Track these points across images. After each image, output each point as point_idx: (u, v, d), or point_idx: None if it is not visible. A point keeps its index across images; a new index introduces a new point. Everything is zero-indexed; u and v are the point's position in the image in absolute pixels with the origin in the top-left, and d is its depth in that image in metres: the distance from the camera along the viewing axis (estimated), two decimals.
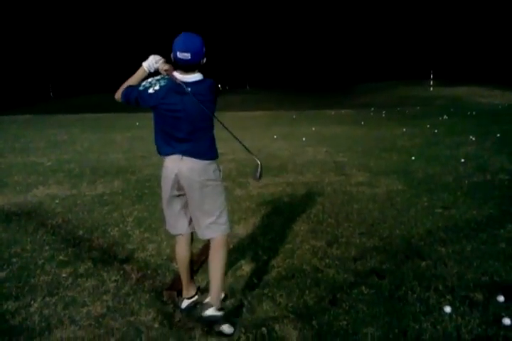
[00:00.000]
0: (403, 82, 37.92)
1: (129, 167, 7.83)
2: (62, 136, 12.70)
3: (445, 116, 15.74)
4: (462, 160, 7.76)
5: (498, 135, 10.72)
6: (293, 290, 3.34)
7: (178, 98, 2.75)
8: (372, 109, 20.51)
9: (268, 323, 2.91)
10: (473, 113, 16.95)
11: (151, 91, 2.80)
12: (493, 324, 2.82)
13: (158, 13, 35.46)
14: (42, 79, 35.93)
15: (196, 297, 3.17)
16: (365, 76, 38.27)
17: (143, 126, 14.74)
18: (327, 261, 3.85)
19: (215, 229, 2.94)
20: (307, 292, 3.31)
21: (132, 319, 3.02)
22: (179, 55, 2.69)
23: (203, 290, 3.27)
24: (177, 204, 2.98)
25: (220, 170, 2.96)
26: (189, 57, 2.68)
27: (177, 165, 2.83)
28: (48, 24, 35.26)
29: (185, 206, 2.98)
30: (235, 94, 38.58)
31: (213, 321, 2.81)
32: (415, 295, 3.20)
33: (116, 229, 4.74)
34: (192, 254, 3.20)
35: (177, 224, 3.05)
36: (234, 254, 4.03)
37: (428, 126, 13.07)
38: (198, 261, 3.84)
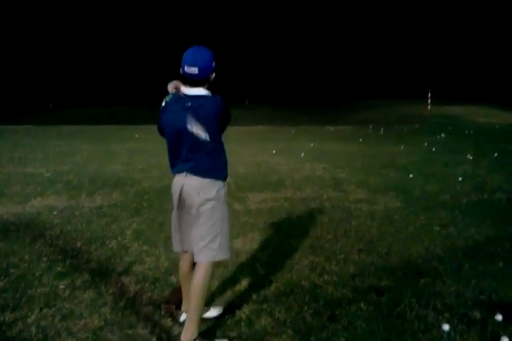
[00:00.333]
0: (401, 100, 38.20)
1: (128, 179, 7.84)
2: (62, 147, 12.71)
3: (443, 135, 15.83)
4: (460, 179, 7.80)
5: (496, 154, 10.79)
6: (291, 306, 3.34)
7: (179, 113, 2.72)
8: (371, 126, 20.60)
9: (266, 338, 2.91)
10: (471, 132, 17.06)
11: (161, 108, 2.85)
12: None
13: (156, 27, 35.82)
14: (42, 90, 36.09)
15: None
16: (364, 93, 38.58)
17: (142, 138, 14.79)
18: (326, 277, 3.85)
19: (206, 253, 2.81)
20: (306, 308, 3.31)
21: (130, 332, 3.01)
22: (187, 69, 2.66)
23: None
24: (182, 221, 2.94)
25: (225, 192, 2.87)
26: (196, 72, 2.65)
27: (182, 181, 2.81)
28: (49, 34, 35.57)
29: (190, 223, 2.93)
30: (234, 110, 38.75)
31: None
32: (414, 313, 3.21)
33: (115, 241, 4.73)
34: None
35: (181, 241, 2.98)
36: (232, 269, 4.03)
37: (426, 144, 13.15)
38: None
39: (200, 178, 2.75)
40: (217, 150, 2.79)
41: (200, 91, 2.74)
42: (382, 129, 18.22)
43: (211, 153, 2.76)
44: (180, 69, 2.72)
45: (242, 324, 3.09)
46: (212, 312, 3.19)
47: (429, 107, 33.73)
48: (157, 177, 7.97)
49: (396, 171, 8.77)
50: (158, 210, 5.88)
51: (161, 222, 5.36)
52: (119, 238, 4.83)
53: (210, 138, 2.72)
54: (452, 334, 2.92)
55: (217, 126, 2.75)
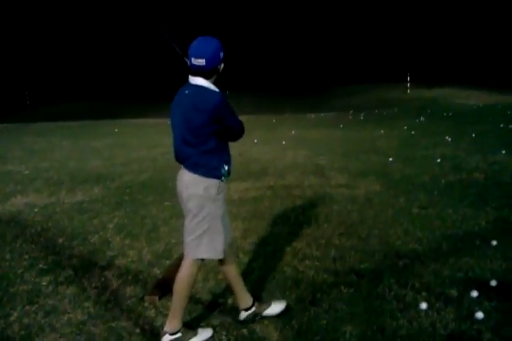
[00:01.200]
0: (381, 84, 38.36)
1: (109, 174, 7.80)
2: (41, 144, 12.56)
3: (422, 118, 15.99)
4: (438, 161, 7.92)
5: (473, 135, 10.95)
6: (273, 292, 3.38)
7: (179, 104, 2.72)
8: (351, 111, 20.72)
9: (249, 326, 2.95)
10: (450, 114, 17.24)
11: None
12: (467, 318, 2.90)
13: (134, 20, 35.31)
14: (18, 87, 35.47)
15: (254, 308, 2.99)
16: (343, 79, 38.62)
17: (122, 132, 14.69)
18: (307, 262, 3.90)
19: (190, 249, 2.76)
20: (287, 293, 3.36)
21: (114, 325, 3.03)
22: (194, 61, 2.59)
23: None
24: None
25: (217, 191, 2.73)
26: (204, 63, 2.58)
27: (178, 175, 2.83)
28: (25, 31, 34.88)
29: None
30: None
31: None
32: (393, 293, 3.28)
33: (97, 236, 4.73)
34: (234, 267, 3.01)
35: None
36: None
37: (405, 127, 13.28)
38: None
39: (190, 173, 2.71)
40: (214, 147, 2.68)
41: (201, 81, 2.66)
42: (362, 115, 18.34)
43: (207, 149, 2.67)
44: (188, 62, 2.65)
45: (226, 312, 3.13)
46: (274, 309, 3.05)
47: (408, 91, 33.96)
48: (138, 171, 7.94)
49: (376, 155, 8.86)
50: (140, 204, 5.88)
51: (143, 215, 5.37)
52: (101, 233, 4.82)
53: (202, 132, 2.63)
54: (429, 312, 2.99)
55: (207, 120, 2.60)
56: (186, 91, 2.69)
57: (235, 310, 3.11)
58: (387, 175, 7.07)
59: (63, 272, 3.88)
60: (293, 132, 13.40)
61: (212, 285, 3.55)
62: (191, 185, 2.71)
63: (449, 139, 10.42)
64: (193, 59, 2.60)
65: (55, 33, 35.70)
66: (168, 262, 3.98)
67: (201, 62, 2.57)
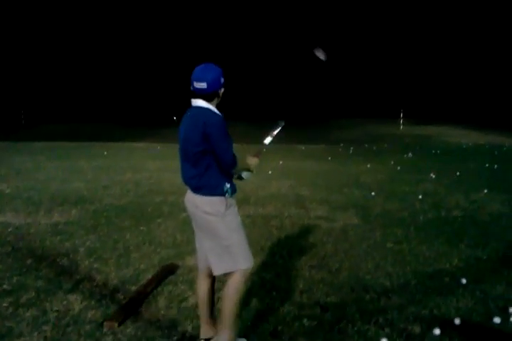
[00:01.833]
0: (375, 119, 38.96)
1: (89, 196, 7.76)
2: (27, 163, 12.50)
3: (410, 154, 16.15)
4: (420, 197, 7.96)
5: (458, 173, 11.05)
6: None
7: (182, 126, 2.86)
8: (342, 144, 20.92)
9: None
10: (438, 151, 17.44)
11: None
12: None
13: (123, 42, 35.89)
14: (14, 106, 35.61)
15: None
16: (338, 113, 39.22)
17: (111, 155, 14.67)
18: (274, 293, 3.87)
19: (219, 265, 2.82)
20: (249, 324, 3.31)
21: None
22: (195, 84, 2.75)
23: None
24: (197, 238, 2.99)
25: (225, 207, 2.79)
26: (205, 87, 2.73)
27: (186, 197, 2.93)
28: (21, 51, 35.29)
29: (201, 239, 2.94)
30: None
31: None
32: (356, 328, 3.25)
33: (66, 258, 4.67)
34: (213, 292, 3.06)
35: (198, 259, 3.02)
36: (182, 286, 4.02)
37: (392, 162, 13.39)
38: (145, 290, 3.82)
39: (196, 195, 2.81)
40: (210, 166, 2.76)
41: (201, 103, 2.80)
42: (351, 148, 18.50)
43: (204, 169, 2.76)
44: (191, 86, 2.79)
45: None
46: None
47: (401, 127, 34.45)
48: (119, 195, 7.91)
49: (359, 189, 8.90)
50: (116, 228, 5.83)
51: (116, 239, 5.32)
52: (71, 255, 4.77)
53: (196, 150, 2.73)
54: None
55: (199, 137, 2.69)
56: (188, 113, 2.86)
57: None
58: (367, 209, 7.09)
59: (26, 294, 3.81)
60: (281, 162, 13.47)
61: (175, 314, 3.49)
62: (200, 204, 2.79)
63: (434, 176, 10.51)
64: (195, 83, 2.75)
65: (53, 54, 36.16)
66: (133, 288, 3.93)
67: (203, 85, 2.73)
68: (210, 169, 2.77)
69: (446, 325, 3.26)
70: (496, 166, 12.53)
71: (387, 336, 3.11)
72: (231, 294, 2.80)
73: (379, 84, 40.91)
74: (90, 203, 7.21)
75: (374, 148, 19.65)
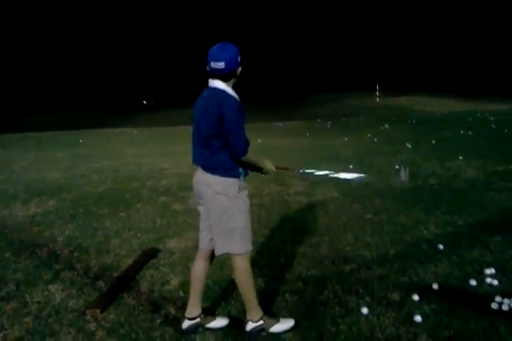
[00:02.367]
0: (351, 93, 39.03)
1: (67, 185, 7.66)
2: (1, 156, 12.28)
3: (386, 126, 16.29)
4: (397, 167, 8.04)
5: (434, 142, 11.19)
6: (218, 301, 3.37)
7: (198, 104, 2.84)
8: (319, 120, 20.97)
9: (189, 336, 2.92)
10: (413, 121, 17.63)
11: None
12: (406, 322, 2.93)
13: (99, 28, 35.08)
14: None
15: (198, 319, 2.99)
16: (314, 88, 39.14)
17: (86, 143, 14.49)
18: (256, 270, 3.86)
19: (223, 246, 2.85)
20: (232, 302, 3.34)
21: (51, 340, 2.95)
22: (213, 64, 2.69)
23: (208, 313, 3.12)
24: (202, 218, 3.00)
25: (238, 189, 2.79)
26: (223, 66, 2.68)
27: (196, 176, 2.92)
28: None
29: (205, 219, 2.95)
30: (186, 109, 38.52)
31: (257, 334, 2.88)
32: (336, 299, 3.30)
33: (45, 249, 4.62)
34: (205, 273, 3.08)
35: (200, 238, 3.03)
36: (164, 269, 4.03)
37: (369, 135, 13.49)
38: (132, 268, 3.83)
39: (209, 175, 2.79)
40: (223, 148, 2.73)
41: (219, 84, 2.75)
42: (329, 123, 18.57)
43: (220, 151, 2.73)
44: (207, 66, 2.73)
45: (168, 323, 3.09)
46: (217, 323, 3.04)
47: (377, 99, 34.59)
48: (96, 182, 7.82)
49: (338, 163, 8.94)
50: (95, 216, 5.78)
51: (96, 227, 5.28)
52: (50, 245, 4.71)
53: (209, 131, 2.71)
54: (370, 317, 3.02)
55: (214, 120, 2.67)
56: (204, 94, 2.81)
57: (177, 320, 3.07)
58: (346, 182, 7.13)
59: (5, 287, 3.77)
60: (259, 141, 13.44)
61: (157, 296, 3.50)
62: (212, 184, 2.78)
63: (410, 146, 10.62)
64: (212, 63, 2.69)
65: (20, 43, 35.13)
66: (114, 274, 3.92)
67: (220, 65, 2.68)
68: (224, 150, 2.73)
69: (424, 290, 3.33)
70: (470, 133, 12.72)
71: (367, 305, 3.16)
72: (242, 278, 2.87)
73: (353, 57, 40.84)
74: (68, 192, 7.12)
75: (351, 121, 19.76)
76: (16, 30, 34.11)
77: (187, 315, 3.00)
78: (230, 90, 2.76)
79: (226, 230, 2.81)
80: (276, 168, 3.11)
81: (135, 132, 17.55)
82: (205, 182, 2.80)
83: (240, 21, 38.70)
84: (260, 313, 2.93)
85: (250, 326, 2.90)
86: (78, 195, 6.97)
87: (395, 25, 38.81)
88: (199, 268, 3.03)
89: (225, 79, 2.75)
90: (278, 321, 2.94)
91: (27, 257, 4.44)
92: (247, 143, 2.77)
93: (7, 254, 4.54)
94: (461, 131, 13.10)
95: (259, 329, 2.89)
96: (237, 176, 2.78)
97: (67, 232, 5.14)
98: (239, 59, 2.76)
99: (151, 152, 12.15)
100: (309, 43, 40.32)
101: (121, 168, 9.28)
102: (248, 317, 2.93)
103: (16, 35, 34.56)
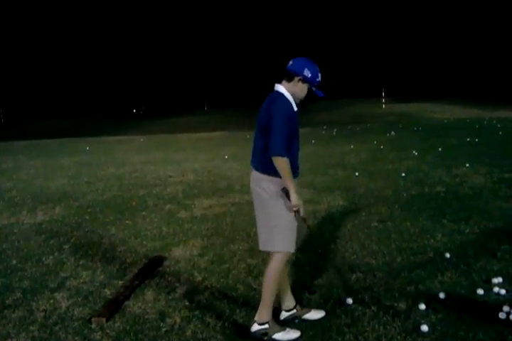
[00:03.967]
0: (357, 99, 39.03)
1: (73, 193, 7.69)
2: (8, 163, 12.36)
3: (392, 133, 16.25)
4: (403, 175, 8.02)
5: (440, 149, 11.15)
6: (223, 310, 3.35)
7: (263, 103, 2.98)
8: (325, 127, 20.97)
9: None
10: (420, 128, 17.59)
11: None
12: (413, 331, 2.91)
13: (104, 39, 35.40)
14: None
15: (294, 310, 3.16)
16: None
17: (93, 151, 14.55)
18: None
19: (265, 243, 2.98)
20: (237, 311, 3.33)
21: None
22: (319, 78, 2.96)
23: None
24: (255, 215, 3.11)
25: (277, 189, 2.82)
26: (289, 64, 2.94)
27: (251, 174, 3.05)
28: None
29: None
30: (192, 116, 38.64)
31: (259, 337, 2.91)
32: (342, 308, 3.27)
33: (51, 257, 4.63)
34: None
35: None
36: (169, 277, 4.02)
37: (375, 142, 13.47)
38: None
39: (258, 173, 2.94)
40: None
41: (281, 88, 2.93)
42: (335, 130, 18.56)
43: (265, 149, 2.82)
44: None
45: (173, 332, 3.08)
46: (314, 315, 3.16)
47: (383, 106, 34.56)
48: (102, 190, 7.85)
49: (343, 170, 8.94)
50: (101, 223, 5.80)
51: (102, 234, 5.30)
52: (56, 253, 4.73)
53: (263, 131, 2.85)
54: (376, 326, 3.00)
55: (268, 120, 2.80)
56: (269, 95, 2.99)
57: (182, 329, 3.06)
58: (352, 190, 7.12)
59: (12, 295, 3.78)
60: None
61: (163, 306, 3.49)
62: (260, 181, 2.91)
63: (416, 153, 10.59)
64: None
65: (31, 51, 35.52)
66: (120, 283, 3.92)
67: (290, 63, 2.94)
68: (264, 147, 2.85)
69: (431, 299, 3.31)
70: (476, 140, 12.67)
71: (374, 314, 3.14)
72: (269, 273, 2.95)
73: (359, 63, 40.90)
74: (74, 200, 7.15)
75: (357, 128, 19.74)
76: (23, 42, 34.58)
77: (284, 307, 3.16)
78: (288, 95, 2.90)
79: (268, 227, 2.92)
80: (302, 216, 2.97)
81: (141, 140, 17.63)
82: (255, 179, 2.95)
83: (235, 28, 38.92)
84: (268, 317, 2.96)
85: (255, 327, 2.94)
86: (84, 202, 7.00)
87: (402, 32, 38.88)
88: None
89: (287, 79, 2.91)
90: (284, 330, 2.94)
91: (33, 265, 4.45)
92: (284, 145, 2.76)
93: (14, 262, 4.56)
94: (468, 139, 13.05)
95: (263, 333, 2.91)
96: (272, 173, 2.84)
97: (73, 240, 5.16)
98: (308, 72, 2.89)
99: (157, 159, 12.19)
100: (315, 49, 40.43)
101: (127, 176, 9.31)
102: (256, 317, 2.97)
103: (22, 46, 34.99)
